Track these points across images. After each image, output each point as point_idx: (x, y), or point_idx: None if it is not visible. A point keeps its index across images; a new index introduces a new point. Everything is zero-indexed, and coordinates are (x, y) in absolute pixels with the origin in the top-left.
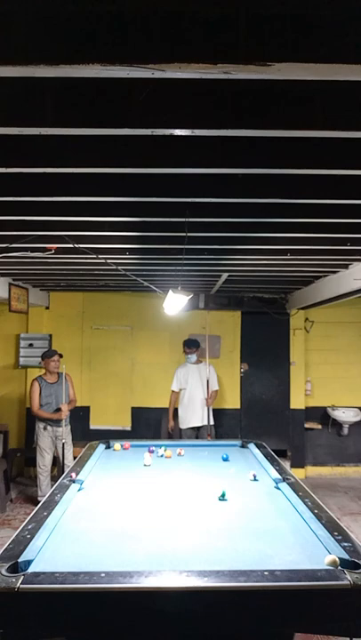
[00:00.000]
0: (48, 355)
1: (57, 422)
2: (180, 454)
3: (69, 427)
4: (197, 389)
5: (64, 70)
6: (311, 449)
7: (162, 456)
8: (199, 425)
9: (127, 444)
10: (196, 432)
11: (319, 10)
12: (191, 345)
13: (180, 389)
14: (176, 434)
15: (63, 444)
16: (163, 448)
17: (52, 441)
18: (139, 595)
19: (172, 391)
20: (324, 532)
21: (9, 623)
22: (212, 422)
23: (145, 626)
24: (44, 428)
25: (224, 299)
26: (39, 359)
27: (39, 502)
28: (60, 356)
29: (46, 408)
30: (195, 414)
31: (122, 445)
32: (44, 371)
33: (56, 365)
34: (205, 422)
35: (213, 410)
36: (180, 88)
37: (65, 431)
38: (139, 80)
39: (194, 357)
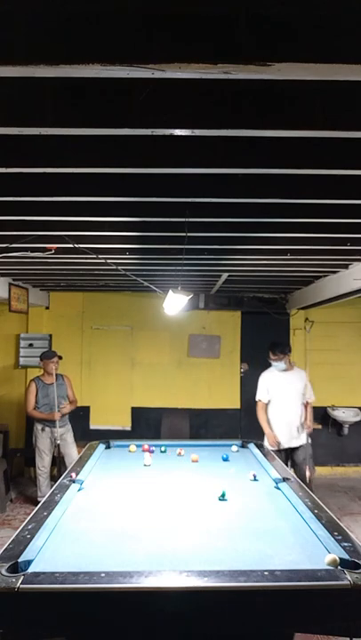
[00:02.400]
0: (47, 356)
1: (55, 423)
2: (179, 454)
3: (69, 426)
4: (288, 402)
5: (64, 70)
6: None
7: (161, 457)
8: (291, 447)
9: (146, 445)
10: (288, 454)
11: (319, 10)
12: (276, 350)
13: (269, 400)
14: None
15: (59, 444)
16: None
17: (50, 442)
18: (139, 595)
19: (259, 401)
20: (324, 532)
21: (9, 623)
22: (310, 450)
23: (145, 626)
24: (42, 430)
25: (224, 299)
26: (39, 359)
27: (39, 502)
28: (60, 357)
29: (44, 409)
30: (283, 433)
31: (139, 447)
32: (42, 371)
33: (55, 367)
34: (299, 443)
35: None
36: (180, 88)
37: (64, 432)
38: (139, 80)
39: (282, 365)
